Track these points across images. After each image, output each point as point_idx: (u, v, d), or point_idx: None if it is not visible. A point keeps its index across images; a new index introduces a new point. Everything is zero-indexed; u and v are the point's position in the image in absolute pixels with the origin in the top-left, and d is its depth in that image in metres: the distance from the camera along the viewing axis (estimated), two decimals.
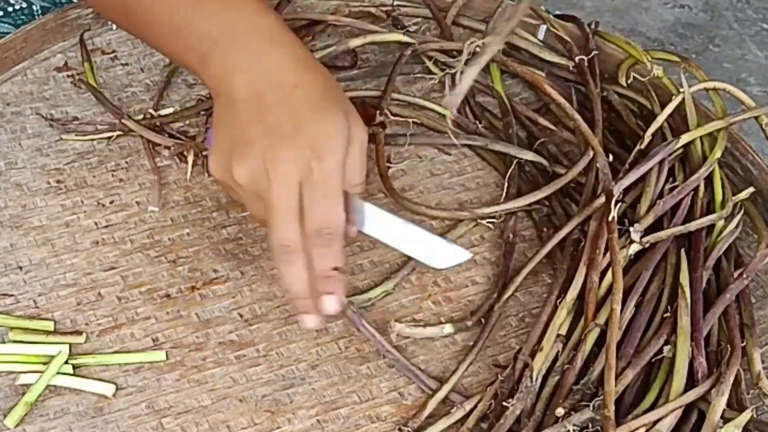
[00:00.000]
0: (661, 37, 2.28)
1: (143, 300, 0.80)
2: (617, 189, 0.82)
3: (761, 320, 0.82)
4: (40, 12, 1.07)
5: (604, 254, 0.78)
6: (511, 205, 0.86)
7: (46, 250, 0.82)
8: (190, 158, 0.89)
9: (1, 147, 0.89)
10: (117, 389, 0.74)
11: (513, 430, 0.72)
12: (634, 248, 0.80)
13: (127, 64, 0.98)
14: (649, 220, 0.82)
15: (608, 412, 0.68)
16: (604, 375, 0.70)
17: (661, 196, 0.84)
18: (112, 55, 0.98)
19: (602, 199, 0.82)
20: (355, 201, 0.74)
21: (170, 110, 0.93)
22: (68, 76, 0.96)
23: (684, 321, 0.75)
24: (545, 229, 0.86)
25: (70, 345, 0.75)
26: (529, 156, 0.89)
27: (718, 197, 0.86)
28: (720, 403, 0.70)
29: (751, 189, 0.88)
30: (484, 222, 0.87)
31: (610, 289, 0.77)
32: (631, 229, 0.80)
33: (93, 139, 0.90)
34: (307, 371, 0.77)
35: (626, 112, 0.95)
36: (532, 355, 0.75)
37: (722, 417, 0.70)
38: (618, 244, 0.78)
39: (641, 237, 0.80)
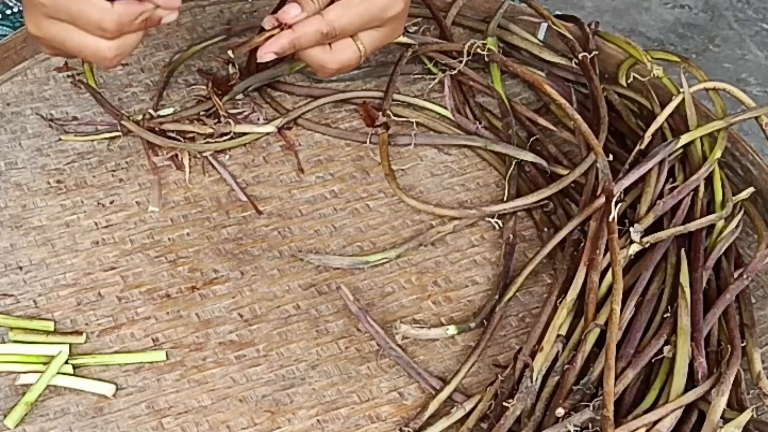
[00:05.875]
0: (661, 37, 2.28)
1: (143, 300, 0.80)
2: (617, 189, 0.82)
3: (761, 320, 0.82)
4: None
5: (604, 254, 0.78)
6: (519, 202, 0.86)
7: (46, 250, 0.82)
8: (186, 161, 0.89)
9: (1, 147, 0.89)
10: (117, 389, 0.74)
11: (513, 430, 0.72)
12: (634, 248, 0.80)
13: (127, 64, 0.98)
14: (649, 220, 0.82)
15: (607, 412, 0.67)
16: (603, 375, 0.70)
17: (661, 196, 0.84)
18: None
19: (602, 200, 0.82)
20: None
21: (170, 110, 0.93)
22: (68, 76, 0.96)
23: (684, 321, 0.75)
24: (545, 230, 0.86)
25: (70, 345, 0.75)
26: (529, 157, 0.89)
27: (718, 197, 0.86)
28: (720, 403, 0.70)
29: (751, 189, 0.88)
30: (492, 221, 0.87)
31: (610, 289, 0.77)
32: (631, 229, 0.80)
33: (93, 140, 0.90)
34: (307, 371, 0.77)
35: (626, 112, 0.95)
36: (532, 355, 0.75)
37: (722, 417, 0.70)
38: (618, 245, 0.78)
39: (641, 237, 0.80)
